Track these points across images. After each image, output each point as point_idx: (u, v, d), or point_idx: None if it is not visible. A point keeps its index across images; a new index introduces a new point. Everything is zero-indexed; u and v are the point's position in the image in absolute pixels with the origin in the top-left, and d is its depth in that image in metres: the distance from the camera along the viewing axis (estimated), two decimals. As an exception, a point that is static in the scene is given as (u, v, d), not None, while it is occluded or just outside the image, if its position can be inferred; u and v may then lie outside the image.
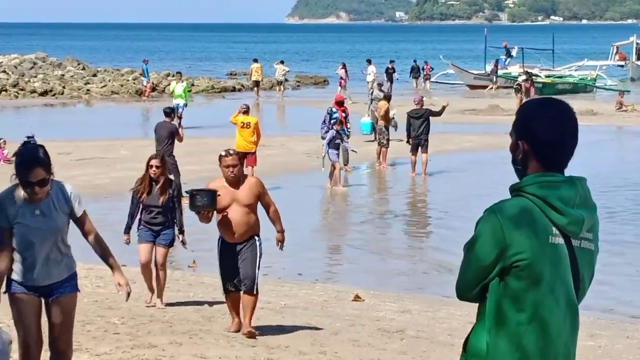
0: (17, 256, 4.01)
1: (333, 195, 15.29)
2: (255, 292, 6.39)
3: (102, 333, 6.28)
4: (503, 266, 2.11)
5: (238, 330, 6.55)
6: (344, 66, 32.26)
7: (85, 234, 4.12)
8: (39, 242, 3.98)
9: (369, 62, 32.89)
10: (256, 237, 6.50)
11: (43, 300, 4.04)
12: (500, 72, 36.49)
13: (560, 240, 2.15)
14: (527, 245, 2.11)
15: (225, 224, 6.31)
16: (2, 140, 16.21)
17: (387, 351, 6.39)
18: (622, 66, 41.36)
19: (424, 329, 7.22)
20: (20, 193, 3.98)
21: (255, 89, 32.07)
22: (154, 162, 7.31)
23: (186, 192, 6.73)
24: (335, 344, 6.47)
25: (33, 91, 32.31)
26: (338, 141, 14.91)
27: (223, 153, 6.54)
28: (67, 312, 4.08)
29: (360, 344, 6.56)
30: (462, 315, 6.68)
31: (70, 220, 4.11)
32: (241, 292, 6.41)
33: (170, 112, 13.71)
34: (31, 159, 3.91)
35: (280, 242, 6.78)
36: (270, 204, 6.64)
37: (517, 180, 2.24)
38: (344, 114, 15.77)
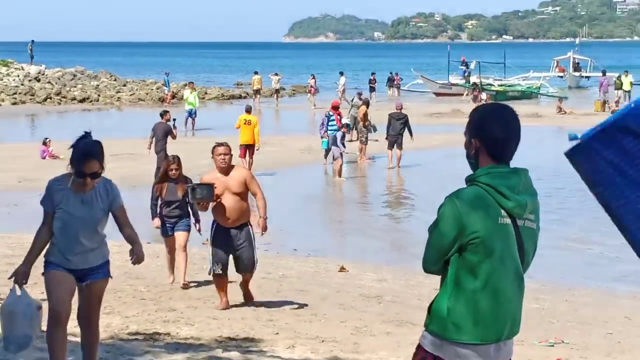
0: (56, 240, 3.60)
1: (332, 183, 15.31)
2: (254, 271, 6.15)
3: (131, 299, 6.17)
4: (461, 243, 2.08)
5: (226, 308, 6.06)
6: (314, 77, 32.53)
7: (120, 227, 3.71)
8: (78, 229, 3.56)
9: (342, 73, 33.74)
10: (249, 223, 6.08)
11: (77, 283, 3.62)
12: (460, 82, 36.42)
13: (507, 220, 2.12)
14: (480, 226, 2.09)
15: (219, 210, 5.92)
16: (48, 140, 16.07)
17: (367, 313, 6.29)
18: (561, 77, 42.41)
19: (398, 295, 7.09)
20: (69, 182, 3.59)
21: (257, 96, 31.82)
22: (172, 165, 6.95)
23: (187, 186, 6.15)
24: (324, 307, 6.37)
25: (73, 99, 33.15)
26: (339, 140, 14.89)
27: (216, 144, 6.19)
28: (98, 296, 3.72)
29: (345, 307, 6.45)
30: (430, 283, 6.56)
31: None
32: (244, 273, 6.06)
33: (164, 113, 13.46)
34: (88, 152, 3.50)
35: (262, 227, 6.14)
36: (257, 192, 6.11)
37: (471, 172, 2.21)
38: (339, 117, 15.55)
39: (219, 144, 6.11)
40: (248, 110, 14.79)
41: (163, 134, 12.62)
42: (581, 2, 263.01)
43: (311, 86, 31.35)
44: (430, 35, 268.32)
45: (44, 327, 3.69)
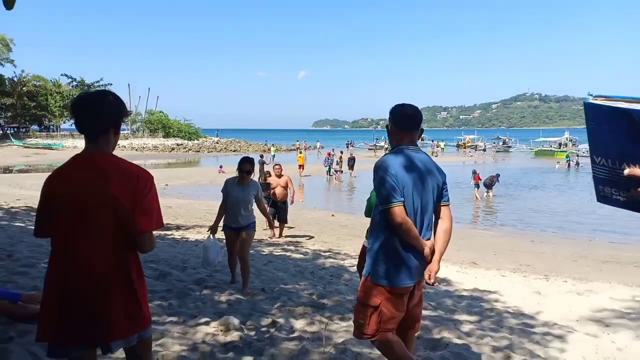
0: (228, 211, 5.98)
1: (335, 185, 25.34)
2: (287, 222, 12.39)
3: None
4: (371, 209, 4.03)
5: (273, 236, 11.69)
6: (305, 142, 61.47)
7: (258, 203, 6.18)
8: (238, 205, 5.93)
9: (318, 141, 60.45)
10: (286, 200, 12.07)
11: (239, 233, 5.99)
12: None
13: None
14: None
15: (275, 193, 11.93)
16: (221, 165, 30.55)
17: (342, 234, 12.94)
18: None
19: (355, 225, 13.66)
20: (235, 179, 6.04)
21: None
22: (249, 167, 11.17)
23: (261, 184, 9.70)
24: (324, 236, 12.56)
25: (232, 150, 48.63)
26: (337, 166, 27.81)
27: (273, 164, 13.26)
28: (248, 238, 6.03)
29: (334, 234, 13.01)
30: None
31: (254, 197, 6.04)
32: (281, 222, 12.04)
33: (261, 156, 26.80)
34: (245, 159, 6.06)
35: (291, 201, 12.32)
36: (291, 187, 12.12)
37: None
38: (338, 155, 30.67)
39: (275, 164, 13.04)
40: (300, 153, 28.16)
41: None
42: None
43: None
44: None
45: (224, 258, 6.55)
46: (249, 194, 5.95)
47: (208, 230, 6.19)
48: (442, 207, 3.15)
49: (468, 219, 17.93)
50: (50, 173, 2.43)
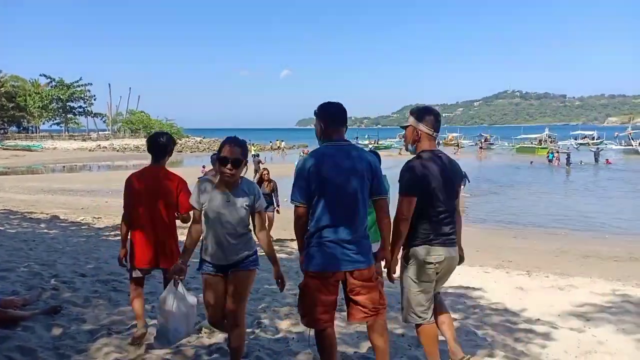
0: (206, 238, 3.52)
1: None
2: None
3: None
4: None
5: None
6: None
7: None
8: (222, 226, 3.45)
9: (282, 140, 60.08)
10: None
11: (227, 278, 3.55)
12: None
13: None
14: None
15: None
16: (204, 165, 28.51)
17: None
18: (400, 141, 69.30)
19: None
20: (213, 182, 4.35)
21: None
22: (265, 172, 11.24)
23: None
24: None
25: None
26: None
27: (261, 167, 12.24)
28: (243, 285, 3.51)
29: None
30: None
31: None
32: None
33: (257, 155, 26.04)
34: (236, 144, 3.44)
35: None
36: (275, 196, 11.14)
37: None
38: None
39: (265, 168, 12.08)
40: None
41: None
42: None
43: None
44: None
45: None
46: (240, 206, 3.45)
47: (173, 274, 3.60)
48: (377, 201, 3.30)
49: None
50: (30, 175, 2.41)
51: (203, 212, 3.45)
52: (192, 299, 3.64)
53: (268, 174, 11.29)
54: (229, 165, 3.36)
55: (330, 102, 3.34)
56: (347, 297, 3.32)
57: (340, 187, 3.12)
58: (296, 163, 3.32)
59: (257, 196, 3.51)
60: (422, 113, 3.51)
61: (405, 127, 3.58)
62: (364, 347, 4.26)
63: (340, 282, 3.27)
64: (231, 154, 3.36)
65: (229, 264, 3.49)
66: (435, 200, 3.39)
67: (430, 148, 3.50)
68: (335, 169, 3.13)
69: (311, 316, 3.26)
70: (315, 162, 3.15)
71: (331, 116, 3.27)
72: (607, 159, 39.40)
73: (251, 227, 3.55)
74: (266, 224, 3.73)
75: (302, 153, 44.56)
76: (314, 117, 3.32)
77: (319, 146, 3.30)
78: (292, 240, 11.88)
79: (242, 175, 3.53)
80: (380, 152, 5.31)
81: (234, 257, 3.48)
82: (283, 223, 12.88)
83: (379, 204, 3.30)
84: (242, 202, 3.45)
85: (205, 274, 3.56)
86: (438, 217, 3.42)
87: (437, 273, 3.47)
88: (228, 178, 3.39)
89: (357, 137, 64.98)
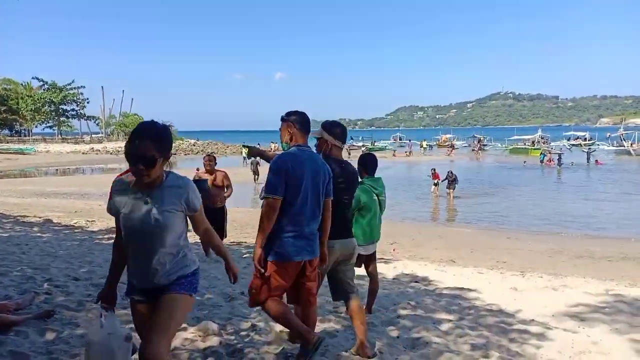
0: (128, 255, 2.75)
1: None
2: None
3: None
4: (358, 207, 4.45)
5: None
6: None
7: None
8: (143, 238, 2.66)
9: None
10: None
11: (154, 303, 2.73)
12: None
13: (375, 197, 4.59)
14: (366, 199, 4.52)
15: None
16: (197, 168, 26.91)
17: None
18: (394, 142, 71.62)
19: None
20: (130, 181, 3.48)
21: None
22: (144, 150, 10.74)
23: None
24: None
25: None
26: None
27: (205, 155, 8.66)
28: (173, 313, 2.67)
29: None
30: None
31: None
32: None
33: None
34: (152, 129, 2.62)
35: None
36: (229, 187, 8.38)
37: (360, 179, 4.50)
38: None
39: (207, 154, 8.60)
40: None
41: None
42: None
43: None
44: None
45: None
46: (167, 211, 2.65)
47: (97, 302, 2.92)
48: (327, 201, 3.72)
49: (445, 217, 18.13)
50: (23, 179, 2.39)
51: (121, 221, 2.69)
52: (123, 331, 2.84)
53: None
54: (140, 165, 2.55)
55: (298, 110, 3.70)
56: (299, 284, 3.71)
57: (308, 187, 3.51)
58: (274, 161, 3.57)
59: (190, 194, 2.70)
60: (332, 127, 4.02)
61: (318, 139, 4.08)
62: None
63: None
64: (139, 150, 2.53)
65: (156, 288, 2.72)
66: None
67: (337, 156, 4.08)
68: (306, 170, 3.52)
69: (267, 298, 3.62)
70: (290, 162, 3.50)
71: (304, 123, 3.65)
72: (596, 160, 39.64)
73: (190, 237, 2.91)
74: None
75: None
76: (283, 122, 3.65)
77: (286, 149, 3.65)
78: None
79: (170, 170, 2.78)
80: (375, 154, 5.30)
81: (162, 279, 2.70)
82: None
83: (328, 203, 3.74)
84: (169, 205, 2.64)
85: (130, 299, 2.85)
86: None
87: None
88: (144, 179, 2.60)
89: (352, 138, 64.89)
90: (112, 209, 2.73)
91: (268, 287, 3.57)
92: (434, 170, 22.60)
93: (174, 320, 2.69)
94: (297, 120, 3.64)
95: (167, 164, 2.67)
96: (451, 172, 22.00)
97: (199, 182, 7.82)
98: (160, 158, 2.58)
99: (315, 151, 3.82)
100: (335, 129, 4.04)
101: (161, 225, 2.62)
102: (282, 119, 3.68)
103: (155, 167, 2.57)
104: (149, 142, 2.54)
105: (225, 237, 8.65)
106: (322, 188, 3.61)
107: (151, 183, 2.65)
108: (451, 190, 21.52)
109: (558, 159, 37.72)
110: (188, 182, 2.76)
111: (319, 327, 4.64)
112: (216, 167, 8.52)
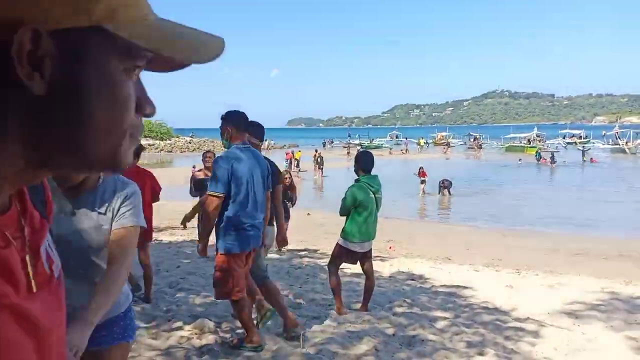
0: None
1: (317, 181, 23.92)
2: None
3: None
4: (354, 204, 4.81)
5: None
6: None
7: None
8: (68, 256, 1.65)
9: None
10: None
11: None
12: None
13: (372, 195, 4.89)
14: (363, 197, 4.86)
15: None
16: (194, 165, 26.20)
17: (318, 232, 12.91)
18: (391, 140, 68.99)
19: (331, 224, 13.69)
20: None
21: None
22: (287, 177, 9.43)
23: None
24: (300, 235, 11.72)
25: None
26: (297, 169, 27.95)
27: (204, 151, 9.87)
28: None
29: (310, 232, 13.05)
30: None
31: None
32: None
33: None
34: None
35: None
36: None
37: (356, 177, 4.90)
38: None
39: (208, 150, 8.80)
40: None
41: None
42: None
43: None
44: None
45: None
46: (95, 226, 1.88)
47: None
48: (268, 192, 4.04)
49: (441, 214, 18.16)
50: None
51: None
52: None
53: (290, 178, 9.39)
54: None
55: (235, 110, 3.85)
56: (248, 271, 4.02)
57: (251, 181, 3.75)
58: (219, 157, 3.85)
59: (128, 204, 1.94)
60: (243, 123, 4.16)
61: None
62: (359, 348, 4.25)
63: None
64: None
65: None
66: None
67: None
68: (248, 166, 3.75)
69: (233, 288, 3.82)
70: (234, 160, 3.71)
71: (244, 122, 3.84)
72: (591, 158, 39.79)
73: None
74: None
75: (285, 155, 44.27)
76: (223, 121, 3.82)
77: (226, 146, 3.83)
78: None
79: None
80: (371, 151, 5.31)
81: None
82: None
83: (269, 195, 4.08)
84: (98, 217, 1.90)
85: None
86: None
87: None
88: (72, 180, 1.92)
89: (349, 136, 64.71)
90: None
91: (233, 278, 3.79)
92: (422, 168, 22.52)
93: None
94: (232, 122, 3.83)
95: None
96: (444, 180, 21.84)
97: (200, 180, 7.46)
98: None
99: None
100: (251, 128, 4.17)
101: (89, 244, 1.91)
102: (221, 118, 3.85)
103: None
104: None
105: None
106: (264, 181, 3.90)
107: (80, 186, 1.95)
108: (446, 195, 21.52)
109: (551, 157, 37.79)
110: (129, 189, 2.02)
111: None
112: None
